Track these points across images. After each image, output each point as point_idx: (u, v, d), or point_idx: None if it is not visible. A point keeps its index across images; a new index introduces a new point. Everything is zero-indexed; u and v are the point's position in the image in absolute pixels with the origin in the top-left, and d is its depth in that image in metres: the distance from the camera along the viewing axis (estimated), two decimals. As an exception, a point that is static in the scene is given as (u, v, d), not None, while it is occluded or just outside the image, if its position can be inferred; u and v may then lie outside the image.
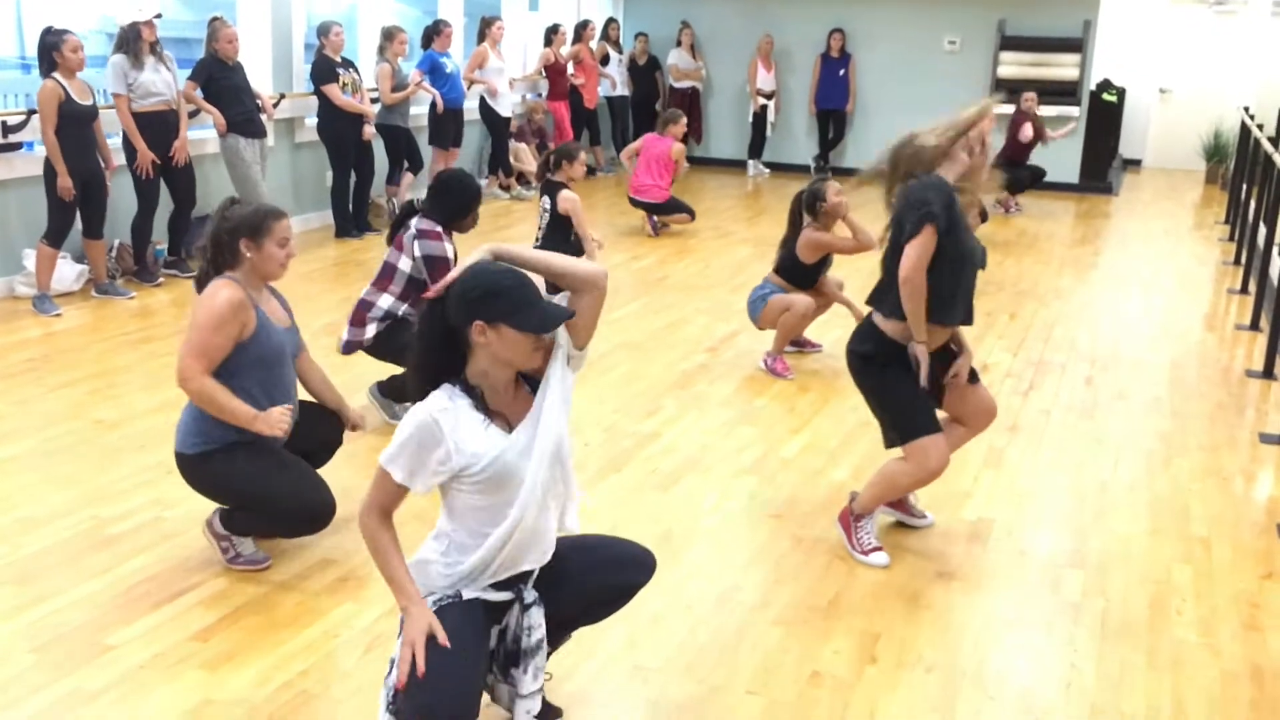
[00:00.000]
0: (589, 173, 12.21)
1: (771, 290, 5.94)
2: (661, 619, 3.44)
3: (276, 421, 3.45)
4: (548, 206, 7.15)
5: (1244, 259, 8.66)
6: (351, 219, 9.01)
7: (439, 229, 4.79)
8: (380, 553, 2.52)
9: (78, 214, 6.64)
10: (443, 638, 2.42)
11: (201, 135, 7.99)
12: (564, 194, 7.06)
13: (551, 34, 11.62)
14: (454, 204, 4.85)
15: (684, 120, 9.78)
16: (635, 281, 7.85)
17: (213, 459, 3.51)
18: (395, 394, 4.93)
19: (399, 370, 4.89)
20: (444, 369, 2.51)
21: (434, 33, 9.65)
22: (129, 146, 7.04)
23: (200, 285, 3.56)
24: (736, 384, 5.74)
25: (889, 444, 3.91)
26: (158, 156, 7.09)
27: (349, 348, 4.90)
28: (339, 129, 8.66)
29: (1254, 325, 7.05)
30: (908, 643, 3.37)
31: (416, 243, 4.75)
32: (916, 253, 3.57)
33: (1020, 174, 10.86)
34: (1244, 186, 9.65)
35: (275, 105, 8.46)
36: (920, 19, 12.76)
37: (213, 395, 3.41)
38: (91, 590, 3.48)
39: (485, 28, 10.49)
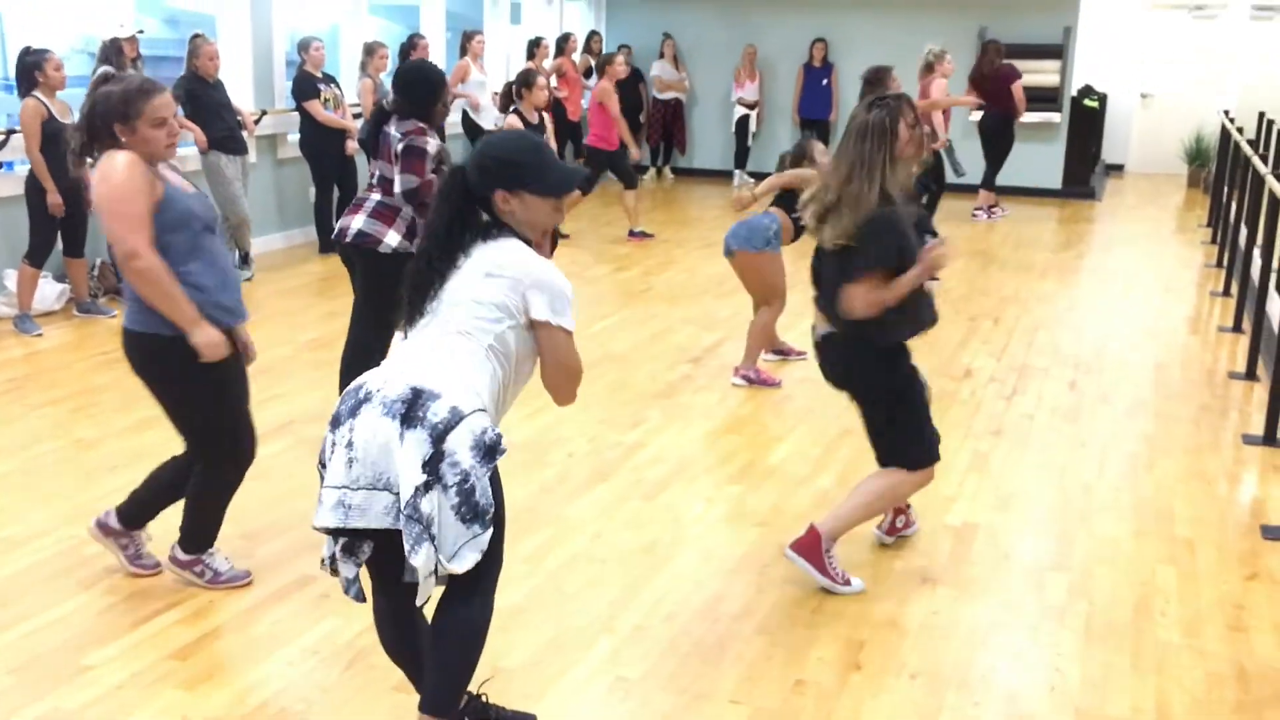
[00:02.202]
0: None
1: (776, 227, 5.80)
2: (644, 629, 3.43)
3: (217, 344, 3.25)
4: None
5: (1226, 262, 8.69)
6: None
7: (421, 126, 4.62)
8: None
9: (59, 233, 6.61)
10: None
11: (183, 152, 7.95)
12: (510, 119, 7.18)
13: (534, 47, 11.61)
14: (422, 93, 4.67)
15: (618, 59, 9.82)
16: (619, 292, 7.85)
17: (176, 346, 3.25)
18: None
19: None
20: (471, 230, 2.57)
21: (410, 47, 9.64)
22: None
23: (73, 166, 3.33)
24: (721, 393, 5.73)
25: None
26: None
27: (361, 237, 4.61)
28: (321, 144, 8.65)
29: (1236, 327, 7.07)
30: (892, 649, 3.36)
31: (401, 143, 4.56)
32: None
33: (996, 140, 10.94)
34: (1226, 190, 9.69)
35: (257, 122, 8.45)
36: (902, 27, 12.79)
37: (161, 276, 3.17)
38: (69, 610, 3.45)
39: (466, 41, 10.49)
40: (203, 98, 7.68)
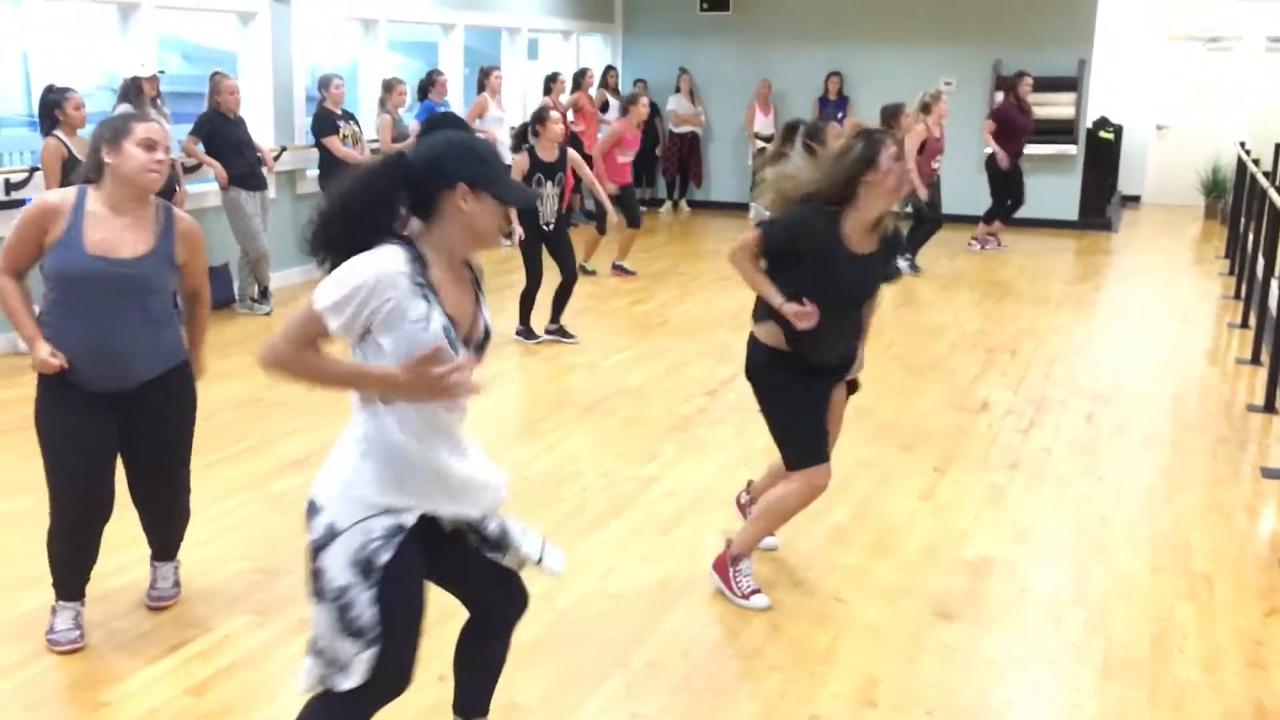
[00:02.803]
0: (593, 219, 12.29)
1: None
2: (658, 665, 3.42)
3: (41, 362, 3.26)
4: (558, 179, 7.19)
5: (1244, 293, 8.66)
6: (353, 269, 9.05)
7: None
8: (317, 371, 2.34)
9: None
10: None
11: (203, 188, 8.07)
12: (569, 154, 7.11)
13: (550, 82, 11.72)
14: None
15: (642, 101, 9.75)
16: (636, 325, 7.87)
17: (43, 396, 3.37)
18: None
19: None
20: (378, 229, 2.33)
21: (429, 84, 9.76)
22: None
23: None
24: (737, 427, 5.73)
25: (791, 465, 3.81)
26: None
27: None
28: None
29: (1254, 359, 7.03)
30: (908, 685, 3.34)
31: None
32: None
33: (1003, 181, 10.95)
34: (1242, 221, 9.67)
35: (276, 158, 8.54)
36: (916, 60, 12.86)
37: (4, 293, 3.35)
38: (86, 646, 3.47)
39: (484, 77, 10.60)
40: (224, 134, 7.77)
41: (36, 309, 3.46)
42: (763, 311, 3.74)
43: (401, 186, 2.34)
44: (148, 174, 3.23)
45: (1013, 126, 10.85)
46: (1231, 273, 9.91)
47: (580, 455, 5.23)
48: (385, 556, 2.34)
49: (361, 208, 2.33)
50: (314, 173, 9.00)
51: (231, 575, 3.92)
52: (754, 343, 3.82)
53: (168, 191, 7.28)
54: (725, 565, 3.87)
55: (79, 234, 3.25)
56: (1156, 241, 12.18)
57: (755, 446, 5.46)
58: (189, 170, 7.76)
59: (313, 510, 2.40)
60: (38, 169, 6.61)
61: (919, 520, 4.53)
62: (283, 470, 4.94)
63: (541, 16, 12.54)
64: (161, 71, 7.45)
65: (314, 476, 2.45)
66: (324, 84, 8.66)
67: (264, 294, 8.16)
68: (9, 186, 6.79)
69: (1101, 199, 13.08)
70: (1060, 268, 10.55)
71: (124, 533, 4.27)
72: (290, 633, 3.57)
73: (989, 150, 11.31)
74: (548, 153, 7.08)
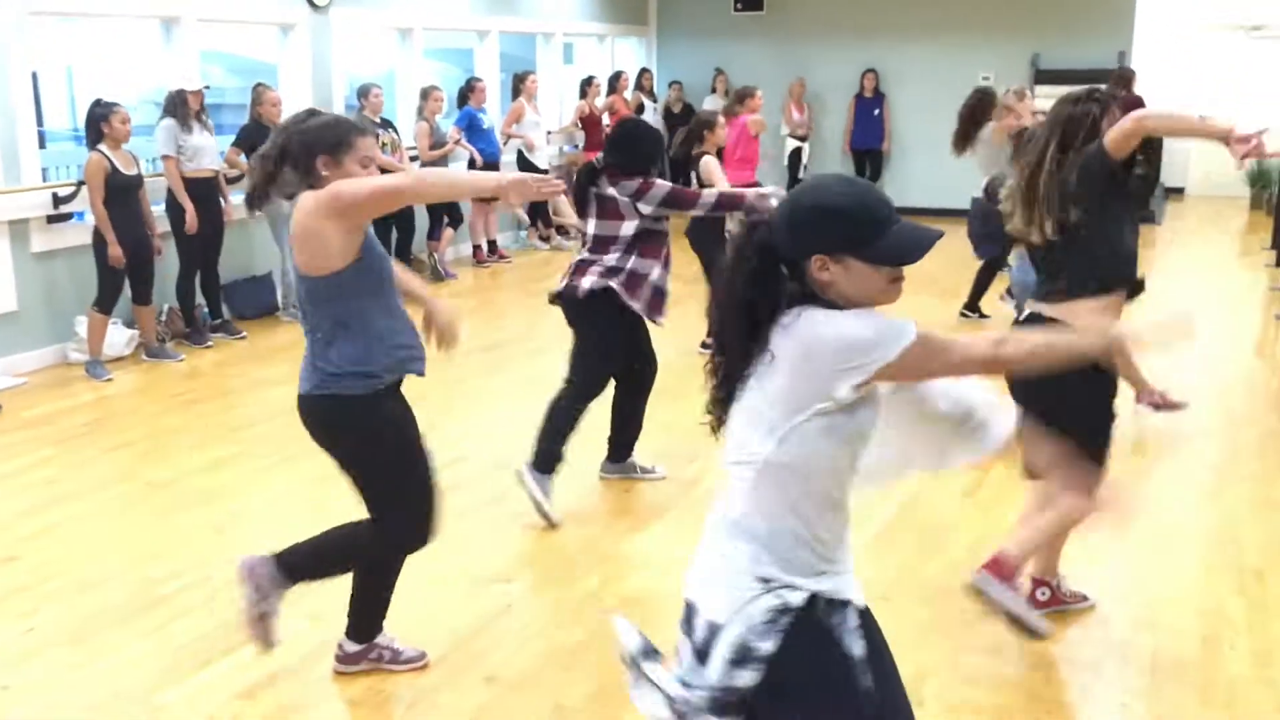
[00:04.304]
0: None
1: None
2: (705, 665, 3.43)
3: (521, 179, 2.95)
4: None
5: (1292, 284, 8.54)
6: (394, 275, 9.14)
7: (650, 181, 4.46)
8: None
9: (126, 281, 6.79)
10: None
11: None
12: (705, 160, 6.97)
13: (586, 86, 11.77)
14: (645, 150, 4.55)
15: (757, 94, 9.60)
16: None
17: (382, 404, 3.09)
18: (548, 466, 4.52)
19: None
20: (768, 310, 1.99)
21: (468, 90, 9.83)
22: (174, 209, 7.20)
23: (251, 204, 3.20)
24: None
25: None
26: (203, 221, 7.24)
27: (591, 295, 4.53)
28: (379, 187, 8.80)
29: (1304, 351, 6.94)
30: (954, 683, 3.33)
31: (640, 204, 4.45)
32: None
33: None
34: (1289, 211, 9.54)
35: (317, 167, 8.63)
36: (953, 56, 12.79)
37: (424, 173, 3.01)
38: (142, 650, 3.53)
39: (519, 83, 10.66)
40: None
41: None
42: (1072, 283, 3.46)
43: (764, 263, 2.00)
44: None
45: None
46: (1279, 264, 9.77)
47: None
48: (754, 658, 2.05)
49: (742, 294, 2.01)
50: (354, 181, 9.08)
51: (281, 580, 3.97)
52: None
53: (215, 199, 7.41)
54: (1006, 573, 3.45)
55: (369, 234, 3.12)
56: (1201, 234, 12.04)
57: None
58: (232, 181, 7.86)
59: (691, 611, 2.18)
60: (84, 183, 6.73)
61: (965, 518, 4.51)
62: (329, 477, 4.98)
63: (576, 20, 12.59)
64: (207, 87, 7.55)
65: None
66: (363, 93, 8.75)
67: (307, 301, 8.23)
68: (57, 200, 6.92)
69: (1144, 192, 12.93)
70: (1103, 262, 10.45)
71: (177, 539, 4.37)
72: (339, 637, 3.60)
73: None
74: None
